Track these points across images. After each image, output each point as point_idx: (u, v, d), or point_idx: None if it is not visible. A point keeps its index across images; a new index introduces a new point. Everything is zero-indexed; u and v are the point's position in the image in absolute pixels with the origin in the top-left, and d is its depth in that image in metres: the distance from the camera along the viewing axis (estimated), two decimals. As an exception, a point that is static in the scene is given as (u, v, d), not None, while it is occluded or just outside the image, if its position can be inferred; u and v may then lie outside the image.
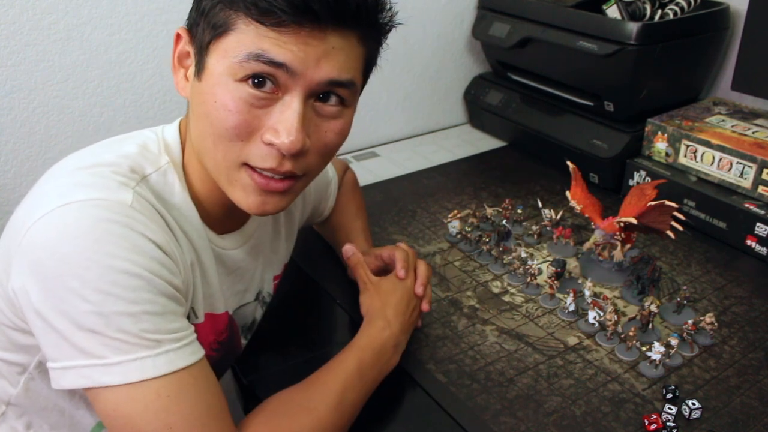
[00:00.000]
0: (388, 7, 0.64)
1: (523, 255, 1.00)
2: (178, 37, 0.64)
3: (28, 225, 0.56)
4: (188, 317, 0.67)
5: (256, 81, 0.58)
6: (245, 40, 0.57)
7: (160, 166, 0.64)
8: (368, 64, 0.66)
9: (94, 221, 0.56)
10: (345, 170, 1.07)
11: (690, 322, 0.86)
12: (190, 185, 0.67)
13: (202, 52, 0.61)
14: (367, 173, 1.34)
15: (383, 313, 0.79)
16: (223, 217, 0.71)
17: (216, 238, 0.71)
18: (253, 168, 0.61)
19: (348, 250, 0.89)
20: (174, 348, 0.58)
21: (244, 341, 0.84)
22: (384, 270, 0.90)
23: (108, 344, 0.55)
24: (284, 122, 0.59)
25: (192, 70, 0.63)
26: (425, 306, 0.85)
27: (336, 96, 0.62)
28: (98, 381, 0.56)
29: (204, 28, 0.60)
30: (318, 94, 0.61)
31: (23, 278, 0.56)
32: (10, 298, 0.60)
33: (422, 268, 0.87)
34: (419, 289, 0.84)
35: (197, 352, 0.61)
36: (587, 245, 0.99)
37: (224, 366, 0.81)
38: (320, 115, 0.62)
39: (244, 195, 0.63)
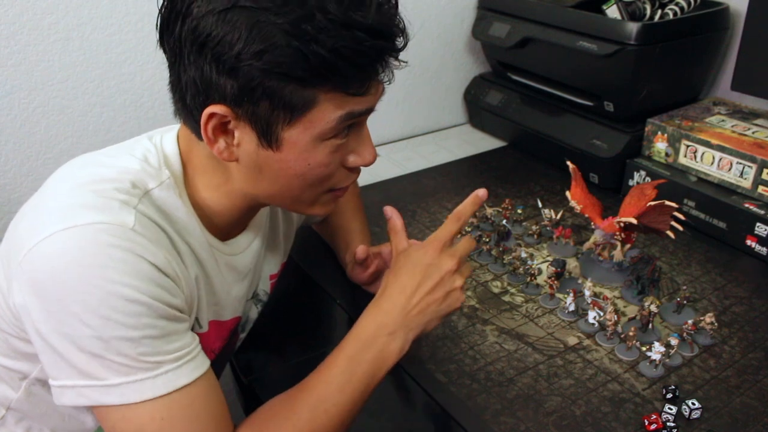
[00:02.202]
0: None
1: (523, 255, 1.00)
2: (213, 115, 0.59)
3: (29, 246, 0.56)
4: (192, 329, 0.67)
5: (345, 133, 0.63)
6: (331, 108, 0.59)
7: (162, 180, 0.64)
8: None
9: (95, 246, 0.56)
10: None
11: (690, 322, 0.86)
12: (192, 198, 0.67)
13: (270, 128, 0.59)
14: (367, 173, 1.33)
15: (385, 293, 0.70)
16: (228, 226, 0.71)
17: (222, 246, 0.71)
18: (335, 189, 0.67)
19: (387, 210, 0.80)
20: (173, 368, 0.58)
21: (241, 336, 0.84)
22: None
23: (108, 366, 0.56)
24: (365, 145, 0.66)
25: (251, 141, 0.61)
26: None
27: None
28: (97, 400, 0.57)
29: (269, 108, 0.58)
30: None
31: (25, 297, 0.57)
32: (11, 310, 0.61)
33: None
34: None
35: (201, 366, 0.61)
36: (587, 245, 0.99)
37: (221, 364, 0.81)
38: None
39: (321, 210, 0.69)
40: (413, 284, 0.68)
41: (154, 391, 0.57)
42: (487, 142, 1.50)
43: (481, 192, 0.75)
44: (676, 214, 0.91)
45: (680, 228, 0.91)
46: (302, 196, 0.66)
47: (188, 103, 0.61)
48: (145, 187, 0.62)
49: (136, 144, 0.68)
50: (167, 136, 0.68)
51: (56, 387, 0.58)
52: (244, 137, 0.61)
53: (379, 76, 0.61)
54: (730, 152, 1.07)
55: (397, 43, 0.60)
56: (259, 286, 0.84)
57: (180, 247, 0.64)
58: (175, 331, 0.60)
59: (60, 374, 0.58)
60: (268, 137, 0.60)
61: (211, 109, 0.58)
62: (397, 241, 0.75)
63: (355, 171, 0.67)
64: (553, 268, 0.96)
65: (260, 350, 0.88)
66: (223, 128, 0.60)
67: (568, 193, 1.00)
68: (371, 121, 0.71)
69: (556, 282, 0.95)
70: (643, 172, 1.19)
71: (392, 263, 0.73)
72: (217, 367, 0.77)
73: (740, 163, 1.06)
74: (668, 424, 0.73)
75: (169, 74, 0.63)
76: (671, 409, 0.75)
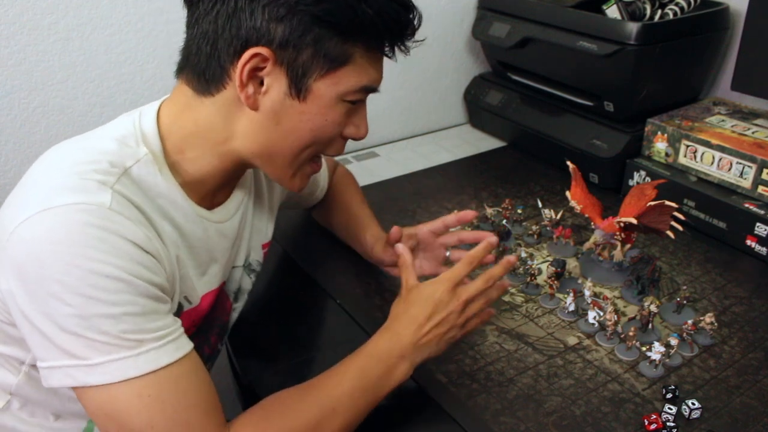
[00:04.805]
0: None
1: (523, 255, 1.00)
2: (255, 56, 0.62)
3: (10, 229, 0.58)
4: (181, 306, 0.69)
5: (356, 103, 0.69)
6: (360, 73, 0.66)
7: (139, 158, 0.65)
8: None
9: (73, 225, 0.57)
10: (335, 165, 1.09)
11: (690, 322, 0.86)
12: (176, 171, 0.68)
13: (305, 76, 0.64)
14: (367, 173, 1.34)
15: (398, 320, 0.75)
16: (211, 195, 0.73)
17: (210, 214, 0.73)
18: (316, 160, 0.73)
19: (399, 247, 0.83)
20: (156, 347, 0.59)
21: (234, 306, 0.85)
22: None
23: (90, 345, 0.57)
24: (363, 120, 0.72)
25: (280, 88, 0.64)
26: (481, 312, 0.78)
27: None
28: (82, 381, 0.58)
29: (310, 56, 0.63)
30: None
31: (9, 281, 0.58)
32: (0, 296, 0.62)
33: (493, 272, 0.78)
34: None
35: (183, 347, 0.61)
36: (587, 245, 0.99)
37: (215, 329, 0.82)
38: None
39: (299, 182, 0.73)
40: (424, 316, 0.74)
41: (137, 369, 0.58)
42: (487, 142, 1.50)
43: (493, 239, 0.81)
44: (676, 214, 0.91)
45: (680, 228, 0.91)
46: (301, 156, 0.70)
47: (219, 47, 0.63)
48: (123, 166, 0.63)
49: (116, 125, 0.68)
50: (146, 113, 0.69)
51: (44, 368, 0.59)
52: (274, 84, 0.64)
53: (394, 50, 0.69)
54: (730, 152, 1.07)
55: (415, 22, 0.69)
56: (251, 255, 0.85)
57: (160, 227, 0.65)
58: (156, 310, 0.61)
59: (46, 355, 0.59)
60: (298, 86, 0.64)
61: (256, 49, 0.61)
62: (408, 276, 0.79)
63: (344, 143, 0.74)
64: (553, 268, 0.96)
65: (260, 350, 0.88)
66: (254, 74, 0.63)
67: (568, 193, 1.00)
68: (371, 120, 0.74)
69: (556, 282, 0.95)
70: (643, 172, 1.19)
71: (404, 295, 0.78)
72: (208, 332, 0.79)
73: (740, 163, 1.06)
74: (668, 424, 0.73)
75: (192, 23, 0.65)
76: (671, 409, 0.75)
